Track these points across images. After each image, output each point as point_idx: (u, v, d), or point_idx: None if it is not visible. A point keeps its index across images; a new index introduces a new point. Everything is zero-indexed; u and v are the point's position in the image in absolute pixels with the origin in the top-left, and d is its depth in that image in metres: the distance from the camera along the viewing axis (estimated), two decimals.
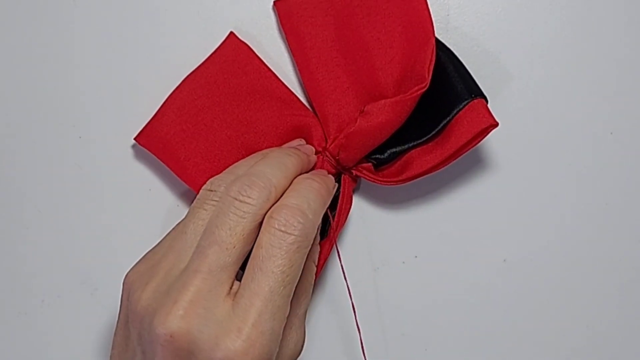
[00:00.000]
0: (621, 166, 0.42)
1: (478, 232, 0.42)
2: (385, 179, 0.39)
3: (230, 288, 0.30)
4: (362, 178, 0.40)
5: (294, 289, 0.31)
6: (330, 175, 0.37)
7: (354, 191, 0.41)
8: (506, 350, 0.42)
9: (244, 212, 0.30)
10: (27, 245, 0.42)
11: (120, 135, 0.42)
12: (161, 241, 0.35)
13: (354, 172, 0.39)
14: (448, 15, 0.42)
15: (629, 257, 0.42)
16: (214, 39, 0.41)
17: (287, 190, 0.32)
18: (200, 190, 0.34)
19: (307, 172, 0.36)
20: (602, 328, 0.42)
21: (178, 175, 0.39)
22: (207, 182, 0.34)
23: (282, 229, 0.30)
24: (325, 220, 0.38)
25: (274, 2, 0.41)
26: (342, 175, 0.39)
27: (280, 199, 0.31)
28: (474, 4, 0.42)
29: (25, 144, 0.42)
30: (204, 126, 0.39)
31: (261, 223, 0.31)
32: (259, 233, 0.31)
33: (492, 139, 0.41)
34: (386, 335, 0.42)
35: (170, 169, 0.39)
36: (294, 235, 0.30)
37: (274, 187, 0.31)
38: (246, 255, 0.31)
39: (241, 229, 0.30)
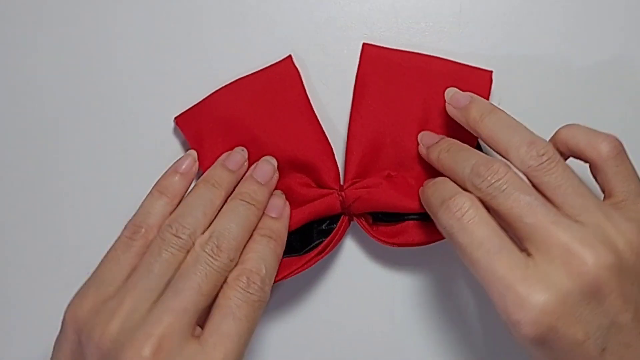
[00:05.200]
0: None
1: None
2: (378, 236, 0.40)
3: (194, 330, 0.34)
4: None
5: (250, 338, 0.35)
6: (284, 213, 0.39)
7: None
8: (506, 350, 0.42)
9: (217, 266, 0.35)
10: (28, 244, 0.42)
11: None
12: (99, 274, 0.36)
13: (354, 219, 0.40)
14: (460, 11, 0.42)
15: None
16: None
17: (248, 250, 0.37)
18: (163, 230, 0.36)
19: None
20: None
21: (199, 163, 0.40)
22: (167, 223, 0.36)
23: (246, 288, 0.35)
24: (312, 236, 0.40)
25: (364, 43, 0.42)
26: (342, 216, 0.40)
27: (243, 261, 0.36)
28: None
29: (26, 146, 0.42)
30: (232, 127, 0.41)
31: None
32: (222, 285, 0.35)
33: None
34: (386, 334, 0.42)
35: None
36: (257, 295, 0.35)
37: (240, 244, 0.37)
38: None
39: (215, 279, 0.35)
